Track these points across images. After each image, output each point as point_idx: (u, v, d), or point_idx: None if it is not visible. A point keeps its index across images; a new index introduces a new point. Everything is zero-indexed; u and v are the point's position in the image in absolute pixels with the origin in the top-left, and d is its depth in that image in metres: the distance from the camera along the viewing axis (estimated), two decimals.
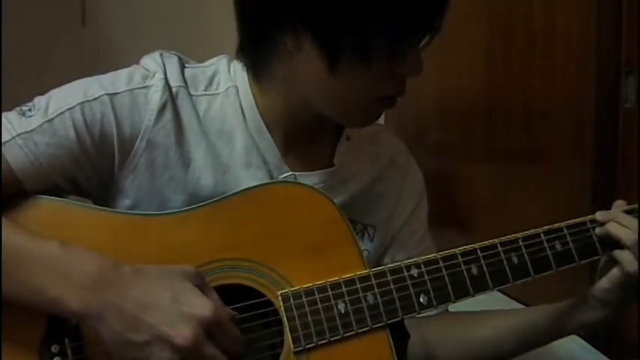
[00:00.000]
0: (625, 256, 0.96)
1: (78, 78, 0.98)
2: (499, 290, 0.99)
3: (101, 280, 0.84)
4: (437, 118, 2.02)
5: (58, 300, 0.83)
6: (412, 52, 0.94)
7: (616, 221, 0.98)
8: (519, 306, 1.50)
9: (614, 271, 0.98)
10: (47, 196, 0.93)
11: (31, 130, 0.91)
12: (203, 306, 0.84)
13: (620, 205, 1.02)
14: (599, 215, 1.00)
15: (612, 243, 0.99)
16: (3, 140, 0.91)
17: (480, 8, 1.82)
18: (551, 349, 1.35)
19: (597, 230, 0.99)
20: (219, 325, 0.84)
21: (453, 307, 1.07)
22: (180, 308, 0.83)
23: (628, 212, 1.00)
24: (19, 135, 0.91)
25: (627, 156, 1.46)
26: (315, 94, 0.97)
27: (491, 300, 1.11)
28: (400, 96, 0.99)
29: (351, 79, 0.93)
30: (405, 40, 0.92)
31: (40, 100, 0.95)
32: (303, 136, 1.03)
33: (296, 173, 1.02)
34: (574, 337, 1.41)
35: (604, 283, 0.99)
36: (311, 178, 1.03)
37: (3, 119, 0.92)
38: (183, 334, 0.81)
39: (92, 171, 0.95)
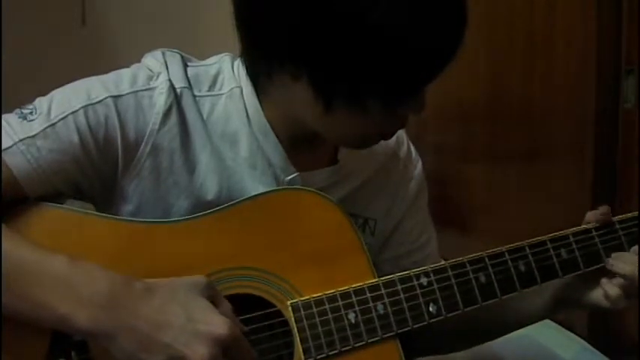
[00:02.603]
0: (610, 288, 0.99)
1: (78, 78, 0.95)
2: None
3: (112, 298, 0.81)
4: (437, 118, 2.02)
5: (66, 317, 0.80)
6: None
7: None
8: None
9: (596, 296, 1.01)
10: (51, 204, 0.90)
11: (34, 136, 0.88)
12: (218, 324, 0.81)
13: (603, 211, 1.03)
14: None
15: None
16: (4, 146, 0.88)
17: (480, 8, 1.81)
18: (552, 349, 1.36)
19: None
20: (234, 343, 0.82)
21: None
22: (195, 327, 0.80)
23: (623, 221, 1.03)
24: (21, 140, 0.87)
25: (627, 156, 1.47)
26: (311, 122, 0.94)
27: None
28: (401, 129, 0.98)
29: (348, 120, 0.91)
30: (405, 98, 0.91)
31: (41, 103, 0.91)
32: (307, 136, 0.99)
33: (302, 173, 0.99)
34: (575, 338, 1.42)
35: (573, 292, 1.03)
36: (316, 177, 1.00)
37: (3, 122, 0.89)
38: (199, 353, 0.78)
39: (95, 175, 0.92)
